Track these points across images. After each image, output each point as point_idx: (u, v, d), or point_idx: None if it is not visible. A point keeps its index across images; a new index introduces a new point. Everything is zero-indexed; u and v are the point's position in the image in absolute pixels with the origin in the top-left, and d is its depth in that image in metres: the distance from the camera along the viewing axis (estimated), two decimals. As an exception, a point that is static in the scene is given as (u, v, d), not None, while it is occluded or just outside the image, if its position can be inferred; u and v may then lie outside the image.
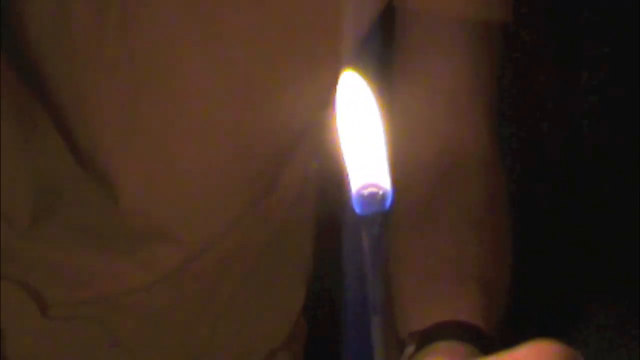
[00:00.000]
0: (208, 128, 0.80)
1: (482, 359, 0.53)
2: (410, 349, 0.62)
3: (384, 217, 0.44)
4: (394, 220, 0.78)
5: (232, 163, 0.82)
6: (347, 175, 0.44)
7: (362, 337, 0.47)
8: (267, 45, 0.78)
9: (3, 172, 0.80)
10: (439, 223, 0.75)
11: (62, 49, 0.77)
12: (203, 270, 0.85)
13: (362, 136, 0.43)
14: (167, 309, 0.85)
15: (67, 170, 0.81)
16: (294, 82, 0.80)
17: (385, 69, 0.81)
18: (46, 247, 0.82)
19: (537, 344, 0.50)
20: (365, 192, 0.43)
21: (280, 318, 0.91)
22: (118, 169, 0.80)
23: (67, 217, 0.82)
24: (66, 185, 0.82)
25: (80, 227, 0.82)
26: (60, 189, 0.82)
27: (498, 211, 0.79)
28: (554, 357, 0.49)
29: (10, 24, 0.77)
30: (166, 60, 0.78)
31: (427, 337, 0.62)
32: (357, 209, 0.44)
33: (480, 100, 0.82)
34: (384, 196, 0.43)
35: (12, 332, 0.83)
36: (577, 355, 0.50)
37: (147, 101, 0.79)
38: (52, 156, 0.81)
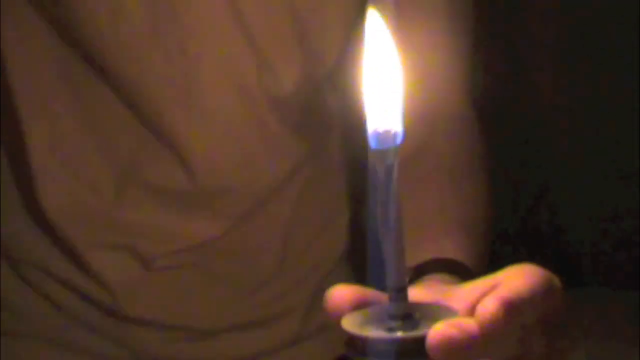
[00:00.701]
0: (249, 89, 0.92)
1: (470, 282, 0.60)
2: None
3: (396, 150, 0.52)
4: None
5: (271, 117, 0.94)
6: (366, 116, 0.52)
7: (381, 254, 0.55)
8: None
9: (87, 154, 0.92)
10: (422, 176, 0.84)
11: (119, 43, 0.88)
12: (270, 208, 0.98)
13: (380, 82, 0.52)
14: (246, 244, 0.97)
15: (142, 145, 0.92)
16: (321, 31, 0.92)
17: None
18: (133, 212, 0.94)
19: (517, 266, 0.57)
20: (380, 130, 0.52)
21: (336, 234, 1.04)
22: (184, 137, 0.92)
23: (147, 184, 0.94)
24: (142, 157, 0.93)
25: (160, 191, 0.94)
26: (138, 161, 0.93)
27: (476, 166, 0.88)
28: (532, 275, 0.56)
29: (68, 24, 0.88)
30: (212, 38, 0.90)
31: (417, 272, 0.70)
32: (373, 144, 0.52)
33: (456, 59, 0.92)
34: (395, 134, 0.52)
35: (122, 290, 0.95)
36: (553, 278, 0.57)
37: (198, 76, 0.90)
38: (127, 134, 0.92)
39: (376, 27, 0.53)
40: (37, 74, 0.91)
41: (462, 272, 0.71)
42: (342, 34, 0.91)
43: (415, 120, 0.87)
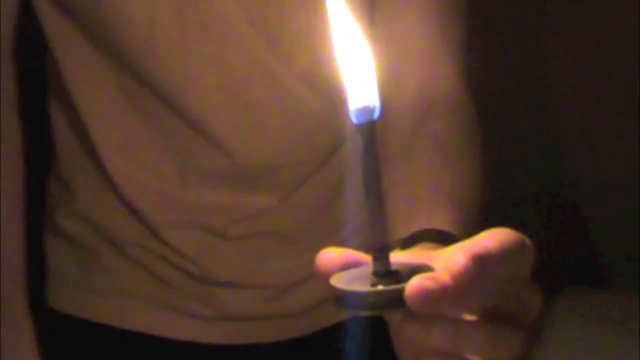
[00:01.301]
0: (275, 77, 1.02)
1: (452, 245, 0.64)
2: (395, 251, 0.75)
3: (375, 124, 0.58)
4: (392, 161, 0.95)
5: (307, 98, 1.04)
6: (347, 94, 0.58)
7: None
8: None
9: (148, 150, 1.06)
10: (418, 155, 0.90)
11: (156, 57, 0.99)
12: (321, 175, 1.09)
13: (356, 62, 0.57)
14: (303, 205, 1.10)
15: (192, 139, 1.04)
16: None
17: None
18: (196, 193, 1.06)
19: (493, 230, 0.62)
20: (360, 105, 0.57)
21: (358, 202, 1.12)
22: (226, 134, 1.03)
23: (203, 170, 1.05)
24: (194, 149, 1.05)
25: (215, 175, 1.05)
26: (191, 151, 1.05)
27: (469, 144, 0.93)
28: (502, 235, 0.61)
29: (112, 45, 1.01)
30: (235, 42, 1.00)
31: (409, 242, 0.75)
32: (354, 119, 0.58)
33: (451, 45, 0.98)
34: (373, 109, 0.57)
35: (204, 259, 1.08)
36: (525, 238, 0.61)
37: (230, 77, 1.01)
38: (177, 132, 1.04)
39: (340, 9, 0.58)
40: (99, 92, 1.05)
41: (450, 242, 0.74)
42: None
43: (410, 101, 0.94)
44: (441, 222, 0.79)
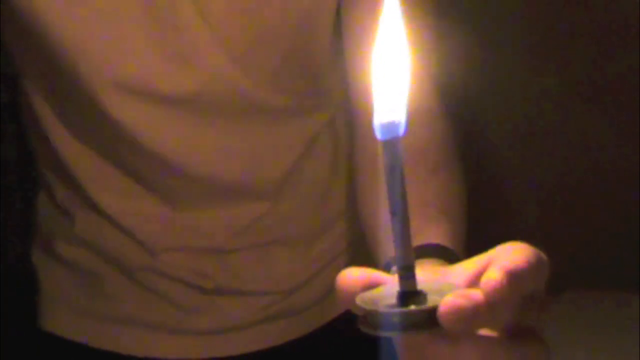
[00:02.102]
0: (239, 90, 1.00)
1: (464, 261, 0.63)
2: (394, 268, 0.73)
3: (400, 140, 0.56)
4: (361, 170, 0.96)
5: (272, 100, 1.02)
6: (373, 109, 0.56)
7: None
8: None
9: (134, 182, 1.05)
10: None
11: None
12: (305, 172, 1.08)
13: (386, 77, 0.55)
14: (293, 208, 1.09)
15: (161, 170, 1.04)
16: None
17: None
18: (188, 215, 1.06)
19: (508, 244, 0.61)
20: (385, 121, 0.56)
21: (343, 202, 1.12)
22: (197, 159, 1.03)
23: (186, 196, 1.05)
24: (171, 179, 1.04)
25: (200, 198, 1.05)
26: (170, 181, 1.05)
27: (450, 155, 0.93)
28: (525, 250, 0.60)
29: (82, 80, 0.98)
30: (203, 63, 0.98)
31: None
32: (378, 135, 0.56)
33: (425, 57, 0.96)
34: (399, 125, 0.56)
35: (213, 274, 1.07)
36: (541, 253, 0.60)
37: (204, 95, 1.00)
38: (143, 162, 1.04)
39: (391, 18, 0.56)
40: (74, 132, 1.03)
41: (448, 256, 0.75)
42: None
43: None
44: (435, 236, 0.78)
